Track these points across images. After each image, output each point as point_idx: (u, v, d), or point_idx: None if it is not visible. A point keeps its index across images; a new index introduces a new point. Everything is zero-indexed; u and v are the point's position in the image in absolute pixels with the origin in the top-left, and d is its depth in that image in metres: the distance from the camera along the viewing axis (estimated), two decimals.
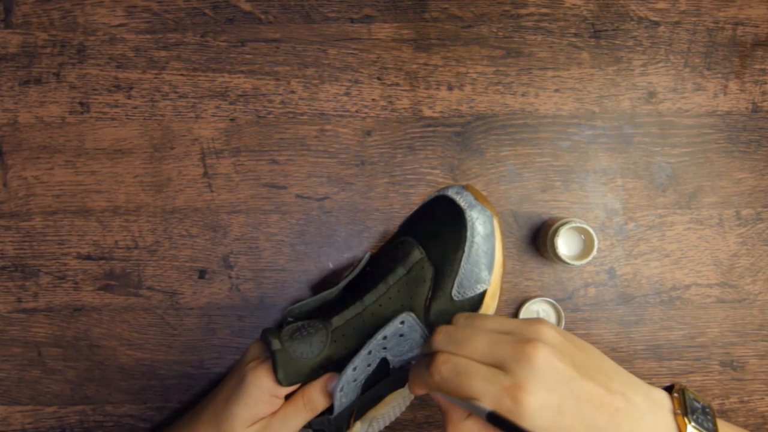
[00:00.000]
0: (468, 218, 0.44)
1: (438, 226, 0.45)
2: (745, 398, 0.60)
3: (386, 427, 0.59)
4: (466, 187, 0.46)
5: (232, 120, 0.60)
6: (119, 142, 0.60)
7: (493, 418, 0.32)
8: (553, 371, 0.33)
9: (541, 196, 0.60)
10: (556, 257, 0.55)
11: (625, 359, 0.60)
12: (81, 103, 0.60)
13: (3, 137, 0.60)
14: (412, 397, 0.50)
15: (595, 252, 0.55)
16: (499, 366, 0.34)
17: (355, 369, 0.43)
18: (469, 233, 0.44)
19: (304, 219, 0.60)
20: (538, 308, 0.60)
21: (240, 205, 0.60)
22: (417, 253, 0.45)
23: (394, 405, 0.48)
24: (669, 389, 0.37)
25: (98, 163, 0.60)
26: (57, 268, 0.60)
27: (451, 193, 0.45)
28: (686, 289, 0.60)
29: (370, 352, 0.43)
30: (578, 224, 0.55)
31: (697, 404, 0.35)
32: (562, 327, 0.59)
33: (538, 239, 0.59)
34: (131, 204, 0.60)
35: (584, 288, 0.60)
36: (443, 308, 0.44)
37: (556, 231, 0.55)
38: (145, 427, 0.61)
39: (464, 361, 0.34)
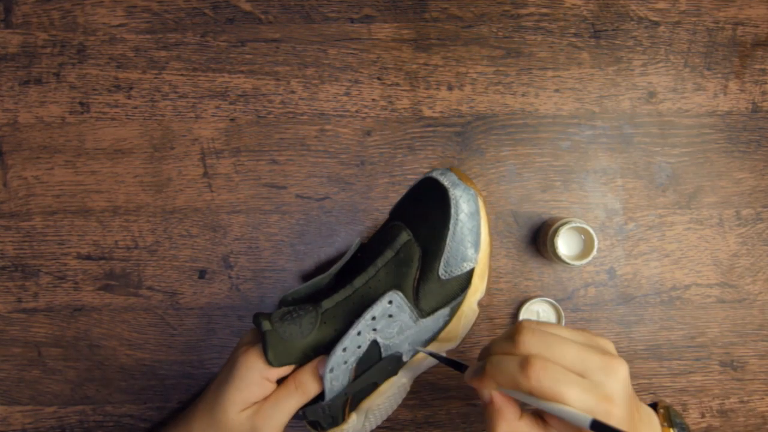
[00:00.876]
0: (452, 196, 0.44)
1: (423, 207, 0.46)
2: (745, 398, 0.60)
3: (386, 427, 0.59)
4: (451, 169, 0.46)
5: (232, 120, 0.60)
6: (119, 142, 0.60)
7: (596, 426, 0.33)
8: (628, 386, 0.36)
9: (541, 196, 0.60)
10: (556, 257, 0.55)
11: (625, 359, 0.60)
12: (81, 103, 0.60)
13: (3, 137, 0.60)
14: (407, 387, 0.50)
15: (595, 252, 0.55)
16: (585, 375, 0.35)
17: (344, 350, 0.43)
18: (453, 211, 0.44)
19: (304, 219, 0.60)
20: (538, 308, 0.60)
21: (240, 205, 0.60)
22: (405, 236, 0.45)
23: (389, 395, 0.48)
24: (654, 406, 0.42)
25: (98, 163, 0.60)
26: (57, 268, 0.60)
27: (435, 174, 0.46)
28: (686, 289, 0.60)
29: (359, 333, 0.43)
30: (578, 224, 0.55)
31: (678, 421, 0.41)
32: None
33: (538, 239, 0.59)
34: (131, 204, 0.60)
35: (584, 288, 0.60)
36: (431, 288, 0.45)
37: (556, 231, 0.55)
38: (145, 427, 0.61)
39: (561, 369, 0.35)
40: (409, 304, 0.44)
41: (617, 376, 0.35)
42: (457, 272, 0.45)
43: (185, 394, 0.60)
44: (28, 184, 0.60)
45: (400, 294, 0.44)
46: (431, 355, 0.45)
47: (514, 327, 0.38)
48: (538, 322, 0.39)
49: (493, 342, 0.40)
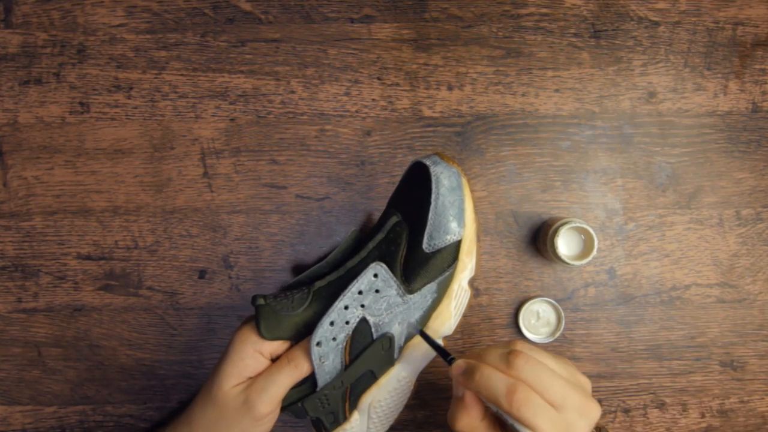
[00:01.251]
0: (432, 173, 0.46)
1: (410, 189, 0.48)
2: (745, 398, 0.60)
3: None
4: (436, 153, 0.48)
5: (232, 120, 0.60)
6: (119, 142, 0.60)
7: None
8: (592, 427, 0.41)
9: (541, 196, 0.60)
10: (556, 257, 0.55)
11: (625, 359, 0.60)
12: (81, 103, 0.60)
13: (3, 137, 0.60)
14: (411, 384, 0.50)
15: (595, 252, 0.55)
16: (561, 410, 0.39)
17: (332, 324, 0.44)
18: (434, 186, 0.46)
19: (304, 219, 0.60)
20: (538, 308, 0.60)
21: (240, 205, 0.60)
22: (394, 218, 0.48)
23: (390, 390, 0.48)
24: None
25: (98, 163, 0.60)
26: (57, 268, 0.60)
27: (420, 159, 0.48)
28: (686, 289, 0.60)
29: (346, 307, 0.45)
30: (578, 224, 0.55)
31: None
32: (562, 327, 0.59)
33: (538, 239, 0.59)
34: (131, 204, 0.60)
35: (584, 288, 0.60)
36: (416, 261, 0.46)
37: (556, 231, 0.55)
38: (145, 427, 0.61)
39: (541, 402, 0.39)
40: (395, 279, 0.45)
41: (589, 419, 0.40)
42: (441, 245, 0.46)
43: (185, 394, 0.60)
44: (28, 184, 0.60)
45: (384, 266, 0.45)
46: (421, 335, 0.46)
47: (511, 346, 0.42)
48: (532, 348, 0.42)
49: (488, 351, 0.42)
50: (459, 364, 0.42)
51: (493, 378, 0.40)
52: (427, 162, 0.46)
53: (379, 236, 0.47)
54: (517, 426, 0.39)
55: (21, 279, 0.60)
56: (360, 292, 0.45)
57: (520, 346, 0.42)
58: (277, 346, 0.46)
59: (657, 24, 0.60)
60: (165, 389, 0.60)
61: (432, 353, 0.49)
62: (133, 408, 0.60)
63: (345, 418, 0.48)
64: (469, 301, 0.49)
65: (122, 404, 0.60)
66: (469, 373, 0.41)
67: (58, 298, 0.60)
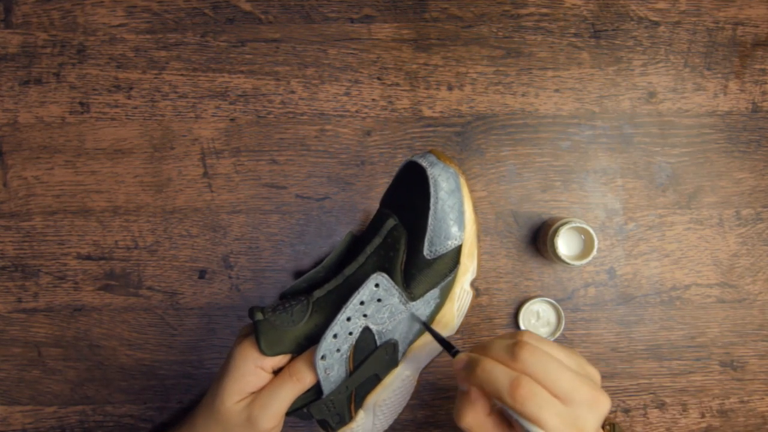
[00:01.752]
0: (430, 175, 0.44)
1: (406, 191, 0.47)
2: (745, 398, 0.60)
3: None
4: (431, 150, 0.47)
5: (232, 120, 0.60)
6: (119, 142, 0.60)
7: None
8: (601, 421, 0.38)
9: (541, 196, 0.60)
10: (556, 257, 0.55)
11: (625, 359, 0.60)
12: (81, 103, 0.60)
13: (3, 137, 0.60)
14: (414, 382, 0.50)
15: (595, 252, 0.55)
16: (569, 403, 0.37)
17: (335, 336, 0.43)
18: (432, 190, 0.44)
19: (304, 219, 0.60)
20: (538, 308, 0.60)
21: (240, 205, 0.60)
22: (391, 221, 0.46)
23: (394, 389, 0.48)
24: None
25: (98, 163, 0.60)
26: (57, 268, 0.60)
27: (414, 157, 0.46)
28: (686, 289, 0.60)
29: (349, 319, 0.44)
30: (578, 224, 0.55)
31: None
32: (562, 327, 0.59)
33: (538, 239, 0.59)
34: (131, 204, 0.60)
35: (584, 288, 0.60)
36: (418, 269, 0.45)
37: (556, 231, 0.55)
38: (145, 427, 0.61)
39: (547, 396, 0.37)
40: (397, 287, 0.44)
41: (599, 412, 0.37)
42: (443, 251, 0.45)
43: (185, 394, 0.61)
44: (28, 184, 0.60)
45: (386, 276, 0.44)
46: (425, 327, 0.45)
47: (517, 337, 0.39)
48: (539, 338, 0.40)
49: (492, 343, 0.40)
50: (461, 357, 0.40)
51: (495, 372, 0.38)
52: (424, 163, 0.45)
53: (377, 241, 0.46)
54: (522, 421, 0.37)
55: (21, 279, 0.60)
56: (362, 303, 0.44)
57: (526, 336, 0.39)
58: (279, 360, 0.45)
59: (657, 24, 0.60)
60: (165, 389, 0.60)
61: (436, 350, 0.49)
62: (133, 408, 0.60)
63: (351, 418, 0.48)
64: (471, 302, 0.49)
65: (122, 404, 0.60)
66: (470, 367, 0.39)
67: (58, 298, 0.60)
